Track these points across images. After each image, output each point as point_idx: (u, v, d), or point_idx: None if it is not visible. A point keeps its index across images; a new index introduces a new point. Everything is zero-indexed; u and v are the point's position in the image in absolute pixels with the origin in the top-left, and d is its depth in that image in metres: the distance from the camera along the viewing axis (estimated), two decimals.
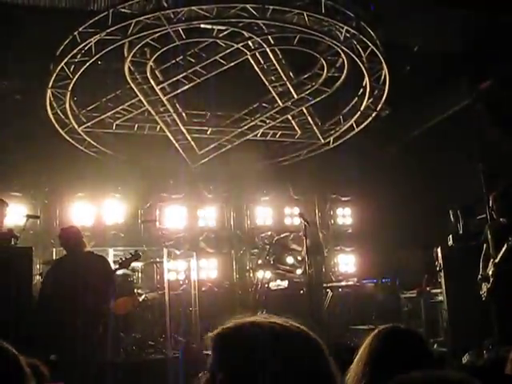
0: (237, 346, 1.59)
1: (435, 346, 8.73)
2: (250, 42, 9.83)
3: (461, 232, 9.82)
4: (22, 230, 7.45)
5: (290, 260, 12.10)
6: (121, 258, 7.85)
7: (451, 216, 10.10)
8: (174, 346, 9.48)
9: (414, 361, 2.37)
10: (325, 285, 11.67)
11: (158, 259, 10.64)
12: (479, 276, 7.31)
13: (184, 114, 11.55)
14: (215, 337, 1.64)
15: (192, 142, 11.76)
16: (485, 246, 7.41)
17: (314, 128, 12.03)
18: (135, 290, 9.63)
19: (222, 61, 10.13)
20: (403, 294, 10.72)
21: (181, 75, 10.32)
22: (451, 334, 8.65)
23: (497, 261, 7.05)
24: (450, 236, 9.64)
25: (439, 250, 9.10)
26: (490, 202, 7.50)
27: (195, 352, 8.99)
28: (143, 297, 9.71)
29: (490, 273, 7.15)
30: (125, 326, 8.94)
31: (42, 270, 9.16)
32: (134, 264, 9.99)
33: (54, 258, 9.70)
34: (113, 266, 7.70)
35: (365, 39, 9.29)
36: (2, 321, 5.52)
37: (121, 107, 10.99)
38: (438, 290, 9.35)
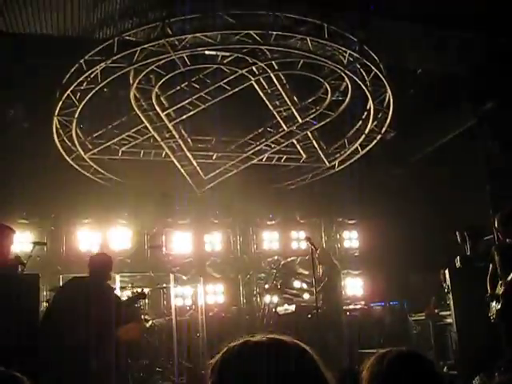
0: (234, 368, 1.60)
1: (445, 369, 8.64)
2: (254, 68, 9.90)
3: (468, 253, 9.77)
4: (28, 257, 7.45)
5: (297, 284, 12.05)
6: (128, 296, 7.90)
7: (458, 238, 10.05)
8: (182, 372, 9.42)
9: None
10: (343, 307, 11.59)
11: (164, 285, 10.61)
12: (487, 296, 7.26)
13: (189, 140, 11.60)
14: (214, 365, 1.65)
15: (197, 168, 11.80)
16: (491, 266, 7.37)
17: (319, 152, 12.06)
18: (142, 316, 9.59)
19: (226, 86, 10.20)
20: (411, 317, 10.65)
21: (186, 101, 10.39)
22: (461, 357, 8.56)
23: (508, 279, 6.99)
24: (458, 258, 9.58)
25: (447, 271, 9.05)
26: (496, 223, 7.48)
27: (202, 378, 8.92)
28: (150, 323, 9.68)
29: (500, 293, 7.10)
30: (132, 352, 8.89)
31: (49, 297, 9.15)
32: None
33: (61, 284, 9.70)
34: (119, 293, 7.71)
35: (368, 63, 9.35)
36: (10, 348, 5.51)
37: (126, 134, 11.06)
38: (447, 313, 9.28)
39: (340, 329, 9.99)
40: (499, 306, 7.09)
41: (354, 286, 13.16)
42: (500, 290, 7.11)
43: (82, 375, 6.31)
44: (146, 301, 10.39)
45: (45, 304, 8.87)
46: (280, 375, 1.56)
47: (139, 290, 8.05)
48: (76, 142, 10.74)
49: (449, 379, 7.16)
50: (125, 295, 9.65)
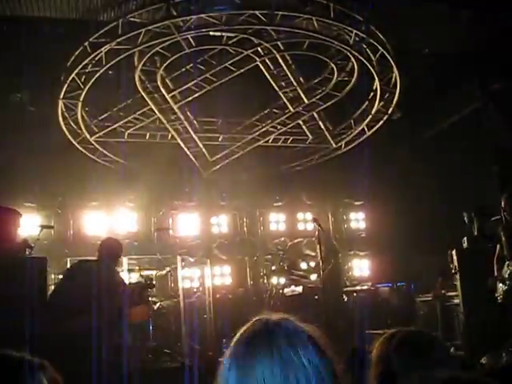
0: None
1: (452, 349, 8.66)
2: (259, 49, 9.84)
3: (475, 234, 9.75)
4: (35, 241, 7.47)
5: (303, 265, 12.06)
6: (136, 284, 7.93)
7: (465, 218, 10.03)
8: (190, 354, 9.46)
9: (427, 362, 2.36)
10: (342, 289, 11.62)
11: (171, 267, 10.64)
12: (494, 277, 7.25)
13: (195, 122, 11.57)
14: None
15: (203, 150, 11.78)
16: (498, 247, 7.35)
17: (326, 133, 12.01)
18: (150, 299, 9.63)
19: (232, 67, 10.15)
20: (418, 298, 10.65)
21: (191, 83, 10.34)
22: (468, 337, 8.58)
23: None
24: (465, 238, 9.57)
25: (454, 252, 9.04)
26: (503, 203, 7.45)
27: (211, 359, 8.96)
28: (158, 305, 9.72)
29: (507, 275, 7.09)
30: (140, 334, 8.93)
31: (57, 280, 9.20)
32: (148, 272, 10.05)
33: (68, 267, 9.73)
34: (126, 275, 7.74)
35: (374, 42, 9.27)
36: (17, 332, 5.53)
37: (132, 116, 11.04)
38: (454, 293, 9.28)
39: (342, 309, 10.02)
40: (506, 287, 7.09)
41: (360, 267, 13.17)
42: (507, 270, 7.11)
43: (90, 360, 6.35)
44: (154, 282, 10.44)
45: (52, 287, 8.92)
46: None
47: (147, 278, 8.08)
48: (82, 125, 10.73)
49: (461, 359, 7.16)
50: (133, 277, 9.71)
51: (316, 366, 1.55)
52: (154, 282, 8.08)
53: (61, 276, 8.10)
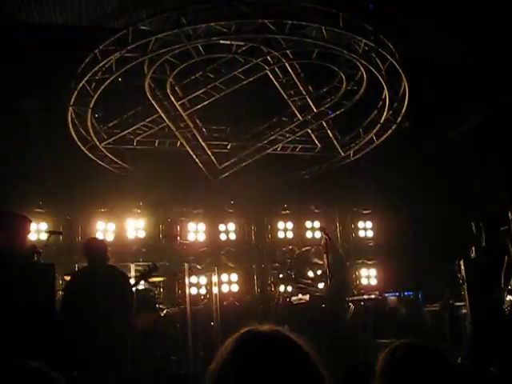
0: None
1: (459, 359, 8.62)
2: (268, 57, 9.88)
3: (483, 244, 9.72)
4: (44, 246, 7.51)
5: (311, 274, 12.03)
6: (138, 271, 7.90)
7: (474, 228, 9.99)
8: (196, 361, 9.46)
9: (430, 377, 2.36)
10: (347, 298, 11.58)
11: (179, 274, 10.65)
12: (501, 288, 7.22)
13: (204, 129, 11.61)
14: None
15: (212, 157, 11.81)
16: (506, 258, 7.33)
17: (334, 141, 12.02)
18: (157, 305, 9.65)
19: (241, 76, 10.19)
20: (426, 308, 10.61)
21: (200, 91, 10.40)
22: (475, 347, 8.54)
23: None
24: (473, 248, 9.54)
25: (462, 262, 9.01)
26: (510, 214, 7.43)
27: None
28: (165, 312, 9.72)
29: None
30: (147, 341, 8.94)
31: (65, 286, 9.22)
32: (155, 279, 10.05)
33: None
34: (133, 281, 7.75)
35: (383, 52, 9.29)
36: (26, 337, 5.56)
37: (141, 123, 11.09)
38: (462, 303, 9.24)
39: (348, 319, 9.98)
40: None
41: (368, 276, 13.13)
42: None
43: (100, 361, 6.38)
44: (161, 290, 10.45)
45: (60, 293, 8.95)
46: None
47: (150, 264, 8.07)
48: (91, 132, 10.79)
49: (467, 369, 7.14)
50: (140, 285, 9.72)
51: (304, 379, 1.56)
52: (156, 264, 8.04)
53: (68, 279, 8.11)
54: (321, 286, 11.35)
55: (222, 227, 12.72)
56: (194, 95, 10.47)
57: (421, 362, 2.43)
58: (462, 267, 8.96)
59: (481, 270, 8.72)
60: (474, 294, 8.71)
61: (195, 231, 12.47)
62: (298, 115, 11.20)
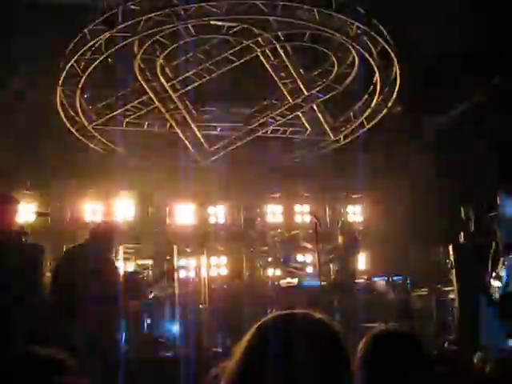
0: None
1: (446, 344, 8.67)
2: (260, 39, 9.80)
3: (472, 229, 9.75)
4: (31, 227, 7.47)
5: (300, 258, 12.05)
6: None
7: (462, 213, 10.02)
8: (184, 343, 9.46)
9: (403, 363, 2.42)
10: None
11: (168, 257, 10.62)
12: (489, 274, 7.24)
13: (194, 111, 11.53)
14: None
15: (202, 139, 11.75)
16: (493, 243, 7.34)
17: (325, 125, 11.98)
18: (144, 288, 9.61)
19: (232, 57, 10.11)
20: (414, 292, 10.66)
21: (191, 72, 10.31)
22: (462, 332, 8.59)
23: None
24: (462, 233, 9.57)
25: (450, 247, 9.04)
26: (498, 199, 7.43)
27: (206, 349, 8.97)
28: (153, 294, 9.70)
29: (502, 272, 7.08)
30: (135, 323, 8.92)
31: (52, 267, 9.17)
32: (144, 261, 10.04)
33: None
34: (122, 264, 7.72)
35: (375, 35, 9.24)
36: (15, 319, 5.53)
37: (131, 105, 11.00)
38: (450, 288, 9.29)
39: (349, 302, 10.00)
40: (501, 284, 7.08)
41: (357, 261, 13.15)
42: (502, 267, 7.10)
43: (87, 346, 6.35)
44: (150, 272, 10.41)
45: (49, 274, 8.91)
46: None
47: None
48: (80, 113, 10.68)
49: (452, 355, 7.17)
50: (128, 266, 9.70)
51: (335, 363, 1.56)
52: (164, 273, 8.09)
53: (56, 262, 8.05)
54: (309, 270, 11.39)
55: (211, 210, 12.70)
56: (183, 76, 10.38)
57: (394, 350, 2.50)
58: (451, 252, 8.99)
59: (469, 256, 8.75)
60: (462, 279, 8.74)
61: (184, 214, 12.44)
62: (289, 98, 11.15)
